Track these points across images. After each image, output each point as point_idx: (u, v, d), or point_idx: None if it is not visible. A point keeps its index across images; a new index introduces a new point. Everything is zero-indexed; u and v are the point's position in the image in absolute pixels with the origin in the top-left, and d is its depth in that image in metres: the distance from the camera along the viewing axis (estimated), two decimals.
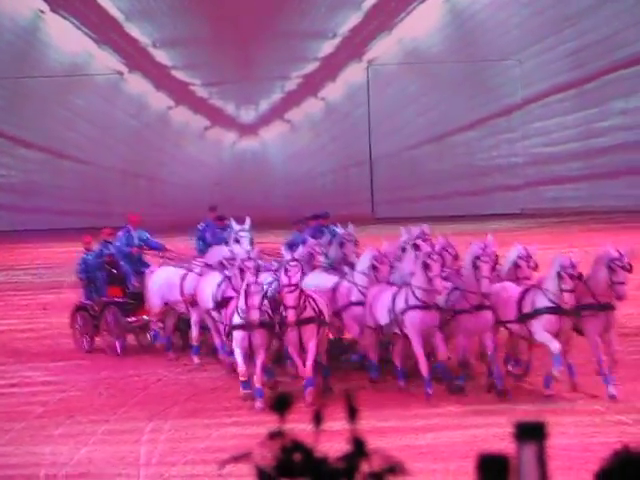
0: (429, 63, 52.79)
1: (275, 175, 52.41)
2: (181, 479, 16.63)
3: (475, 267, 20.58)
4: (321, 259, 23.38)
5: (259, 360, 19.50)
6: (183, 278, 23.90)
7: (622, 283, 19.72)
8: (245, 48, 51.23)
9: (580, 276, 20.83)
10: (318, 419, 4.03)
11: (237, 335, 20.21)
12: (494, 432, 16.70)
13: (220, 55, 52.13)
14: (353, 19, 52.20)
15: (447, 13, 52.52)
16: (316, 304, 20.32)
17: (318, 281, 22.66)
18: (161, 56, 53.99)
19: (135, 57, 53.95)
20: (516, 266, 21.80)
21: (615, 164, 49.39)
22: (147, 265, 25.71)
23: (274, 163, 53.46)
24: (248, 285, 20.30)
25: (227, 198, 47.71)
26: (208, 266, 23.96)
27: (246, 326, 19.94)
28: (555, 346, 19.26)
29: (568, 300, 19.64)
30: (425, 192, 50.52)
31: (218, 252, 23.84)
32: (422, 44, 53.39)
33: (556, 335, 19.79)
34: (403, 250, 23.18)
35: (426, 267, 20.29)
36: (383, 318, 20.36)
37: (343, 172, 52.41)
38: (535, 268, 22.45)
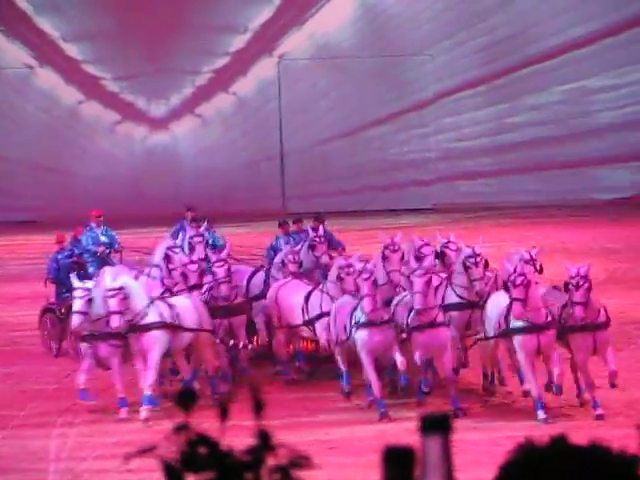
0: (341, 58, 52.95)
1: (185, 169, 52.71)
2: (91, 474, 16.68)
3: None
4: (293, 267, 23.06)
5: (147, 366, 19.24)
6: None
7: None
8: (156, 42, 50.68)
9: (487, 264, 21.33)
10: (224, 412, 4.02)
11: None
12: (406, 426, 16.79)
13: (130, 49, 51.35)
14: (265, 13, 52.02)
15: (359, 8, 52.89)
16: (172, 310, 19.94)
17: (290, 291, 22.43)
18: (71, 50, 53.21)
19: (45, 51, 53.40)
20: (466, 268, 21.42)
21: (524, 159, 50.28)
22: (113, 265, 24.62)
23: (185, 157, 53.62)
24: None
25: (138, 192, 49.07)
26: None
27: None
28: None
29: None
30: (337, 187, 50.75)
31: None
32: (333, 39, 53.51)
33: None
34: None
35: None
36: (342, 333, 20.16)
37: (254, 167, 52.13)
38: (486, 266, 22.13)
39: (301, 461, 4.02)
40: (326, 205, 43.32)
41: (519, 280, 19.13)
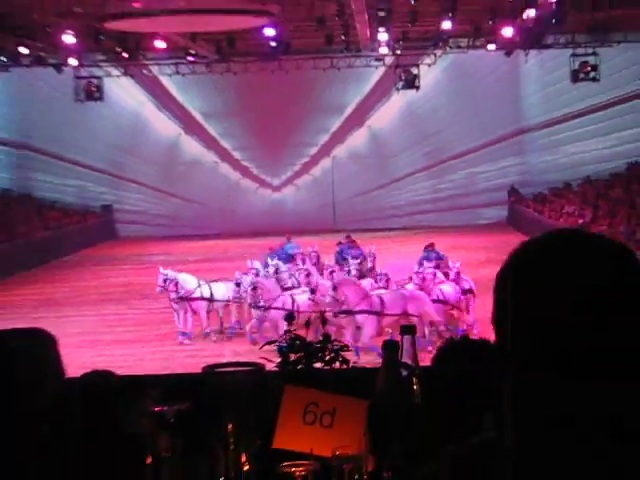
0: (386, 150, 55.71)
1: (287, 211, 55.17)
2: None
3: None
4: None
5: None
6: None
7: None
8: (272, 121, 53.05)
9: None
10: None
11: None
12: None
13: (253, 125, 54.53)
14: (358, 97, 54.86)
15: (405, 111, 53.16)
16: None
17: None
18: (209, 124, 56.77)
19: (189, 123, 56.62)
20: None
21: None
22: None
23: (287, 203, 56.74)
24: None
25: (253, 228, 49.86)
26: None
27: None
28: None
29: None
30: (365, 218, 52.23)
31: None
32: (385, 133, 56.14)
33: None
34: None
35: None
36: None
37: (326, 208, 54.74)
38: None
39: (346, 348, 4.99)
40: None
41: None
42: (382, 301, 22.48)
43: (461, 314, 24.22)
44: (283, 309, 22.66)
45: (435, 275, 24.89)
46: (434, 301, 23.40)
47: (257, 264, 26.83)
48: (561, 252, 2.07)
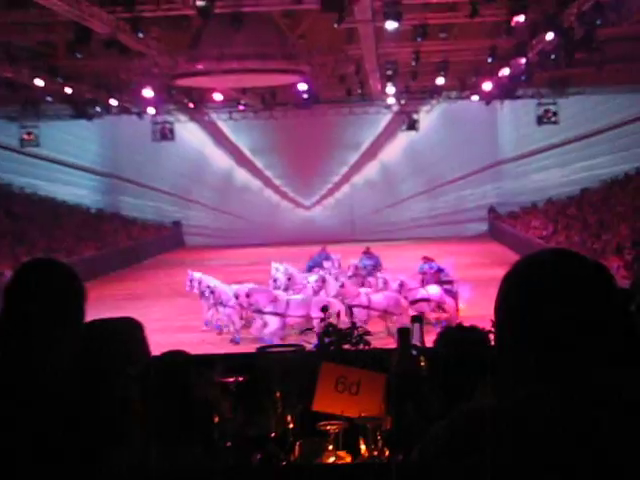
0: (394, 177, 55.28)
1: (317, 228, 53.59)
2: None
3: None
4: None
5: None
6: None
7: None
8: (304, 154, 53.33)
9: None
10: None
11: None
12: None
13: (290, 158, 54.63)
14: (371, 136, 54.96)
15: (407, 148, 52.93)
16: None
17: None
18: (255, 158, 56.63)
19: (239, 157, 56.60)
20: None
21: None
22: None
23: (317, 223, 55.36)
24: None
25: (288, 241, 49.64)
26: None
27: None
28: None
29: None
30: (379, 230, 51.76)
31: None
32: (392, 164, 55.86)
33: None
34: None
35: None
36: None
37: (348, 224, 54.45)
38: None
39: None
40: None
41: None
42: (288, 304, 21.66)
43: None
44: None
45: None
46: (418, 300, 22.49)
47: (281, 268, 26.00)
48: (555, 265, 2.14)
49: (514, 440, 1.99)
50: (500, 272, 2.10)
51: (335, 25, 22.72)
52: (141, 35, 24.38)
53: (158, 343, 3.82)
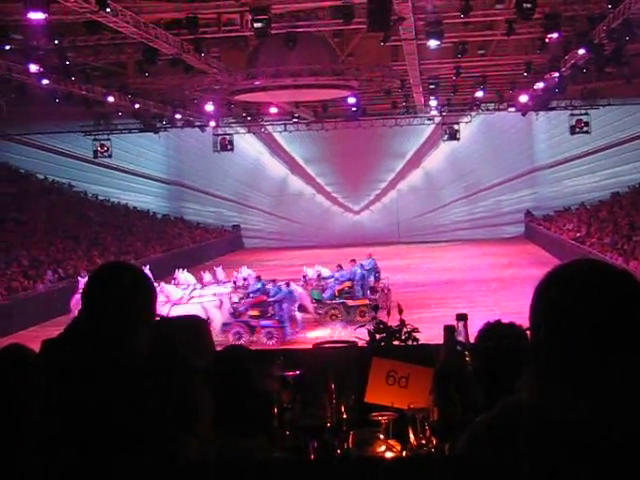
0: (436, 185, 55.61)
1: (366, 231, 53.94)
2: None
3: None
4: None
5: None
6: None
7: None
8: (353, 163, 53.18)
9: None
10: None
11: None
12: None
13: (339, 167, 54.92)
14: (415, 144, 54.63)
15: (449, 155, 52.67)
16: None
17: None
18: (308, 167, 56.69)
19: (293, 166, 56.62)
20: None
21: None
22: None
23: (366, 227, 55.55)
24: None
25: (338, 243, 49.85)
26: None
27: None
28: None
29: None
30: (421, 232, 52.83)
31: None
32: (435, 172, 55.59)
33: None
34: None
35: None
36: None
37: (393, 225, 54.80)
38: None
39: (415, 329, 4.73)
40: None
41: None
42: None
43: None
44: None
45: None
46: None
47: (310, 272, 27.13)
48: (585, 273, 2.12)
49: (544, 435, 1.99)
50: (536, 271, 2.11)
51: (381, 43, 22.78)
52: (203, 55, 24.60)
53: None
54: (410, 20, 20.88)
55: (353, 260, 27.08)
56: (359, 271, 26.20)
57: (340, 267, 26.64)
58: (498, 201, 53.75)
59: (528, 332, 2.27)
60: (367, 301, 25.19)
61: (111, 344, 3.03)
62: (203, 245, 46.94)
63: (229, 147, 44.83)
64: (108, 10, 18.43)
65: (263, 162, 56.51)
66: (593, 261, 2.15)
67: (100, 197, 49.45)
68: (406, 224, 55.16)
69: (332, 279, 26.48)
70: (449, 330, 3.30)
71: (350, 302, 25.38)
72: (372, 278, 27.00)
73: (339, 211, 58.01)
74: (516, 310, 16.08)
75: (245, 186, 55.99)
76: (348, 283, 25.93)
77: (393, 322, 4.82)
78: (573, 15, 23.12)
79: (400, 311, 4.69)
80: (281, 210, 56.47)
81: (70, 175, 48.07)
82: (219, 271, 28.04)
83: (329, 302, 25.59)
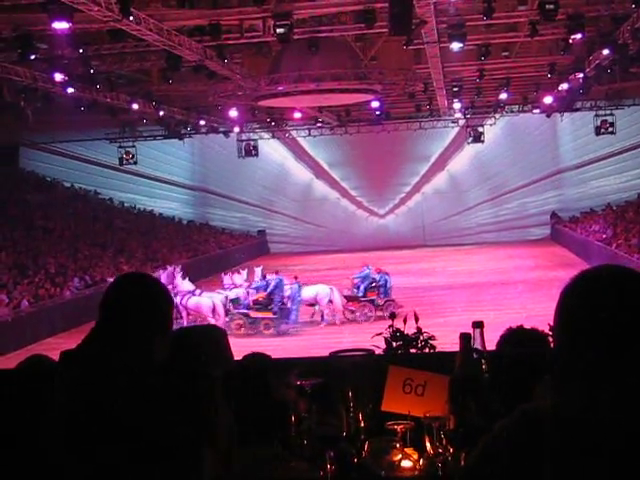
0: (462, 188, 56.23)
1: (389, 236, 54.30)
2: None
3: None
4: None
5: None
6: None
7: None
8: (375, 167, 53.46)
9: None
10: None
11: None
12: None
13: (363, 171, 55.06)
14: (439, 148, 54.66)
15: (474, 158, 52.37)
16: None
17: None
18: (332, 171, 56.94)
19: (318, 170, 56.76)
20: None
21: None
22: None
23: (389, 231, 55.75)
24: None
25: (360, 247, 49.18)
26: None
27: None
28: None
29: None
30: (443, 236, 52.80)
31: None
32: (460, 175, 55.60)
33: None
34: None
35: None
36: None
37: (419, 228, 55.02)
38: None
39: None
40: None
41: None
42: None
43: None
44: None
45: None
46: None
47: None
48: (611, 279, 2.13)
49: (566, 442, 1.99)
50: (562, 273, 2.13)
51: (404, 47, 22.76)
52: (226, 61, 24.70)
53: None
54: (432, 23, 20.87)
55: (277, 272, 27.21)
56: (272, 282, 26.12)
57: (264, 277, 26.83)
58: (523, 203, 53.67)
59: (550, 337, 2.30)
60: (272, 314, 25.45)
61: (127, 356, 3.04)
62: (229, 251, 46.98)
63: (253, 152, 44.94)
64: (131, 18, 18.59)
65: (287, 167, 56.61)
66: (617, 267, 2.17)
67: (126, 204, 49.72)
68: (431, 227, 55.24)
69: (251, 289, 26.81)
70: (465, 338, 3.30)
71: (253, 314, 25.57)
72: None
73: (364, 215, 58.04)
74: (543, 313, 15.84)
75: (270, 191, 56.07)
76: (263, 294, 25.92)
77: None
78: (597, 15, 23.03)
79: (416, 318, 4.68)
80: (306, 215, 56.55)
81: (96, 182, 48.31)
82: (243, 274, 28.54)
83: (236, 312, 25.92)
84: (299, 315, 26.10)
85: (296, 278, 26.35)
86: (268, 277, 26.41)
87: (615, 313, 2.03)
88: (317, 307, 26.39)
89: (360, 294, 26.56)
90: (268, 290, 25.59)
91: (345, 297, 26.61)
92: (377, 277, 27.07)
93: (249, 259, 46.71)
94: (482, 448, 2.21)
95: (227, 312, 25.26)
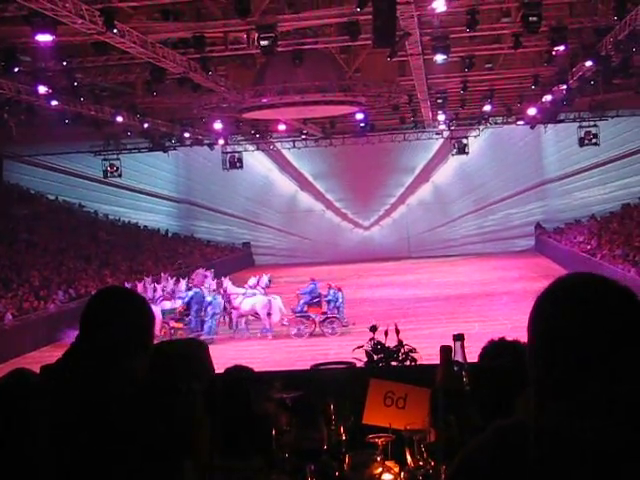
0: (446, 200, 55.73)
1: (375, 245, 55.21)
2: None
3: None
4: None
5: None
6: None
7: None
8: (360, 179, 53.68)
9: None
10: None
11: None
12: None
13: (348, 183, 55.06)
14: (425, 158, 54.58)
15: (458, 169, 52.72)
16: None
17: None
18: (317, 183, 56.95)
19: (302, 182, 56.83)
20: None
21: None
22: None
23: (375, 242, 55.93)
24: None
25: (348, 258, 51.54)
26: None
27: None
28: None
29: None
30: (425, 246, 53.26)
31: None
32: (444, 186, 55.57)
33: None
34: None
35: None
36: None
37: (403, 240, 55.03)
38: None
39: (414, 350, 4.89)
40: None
41: None
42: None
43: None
44: None
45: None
46: None
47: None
48: (582, 288, 2.07)
49: (545, 456, 1.94)
50: (546, 284, 2.11)
51: (388, 59, 22.82)
52: (210, 73, 24.71)
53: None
54: (416, 35, 20.95)
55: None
56: (190, 294, 26.64)
57: (189, 289, 27.51)
58: (508, 214, 53.83)
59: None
60: (182, 325, 25.77)
61: (107, 370, 3.03)
62: (214, 263, 46.86)
63: (238, 165, 44.94)
64: (115, 31, 18.59)
65: (272, 179, 56.74)
66: (589, 275, 2.11)
67: (110, 217, 49.71)
68: (416, 239, 55.34)
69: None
70: (445, 351, 3.29)
71: (172, 324, 25.87)
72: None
73: (349, 227, 58.17)
74: (525, 325, 15.82)
75: (255, 203, 56.14)
76: (183, 306, 26.36)
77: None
78: (579, 27, 23.19)
79: (397, 331, 4.67)
80: (291, 227, 56.62)
81: (80, 195, 48.43)
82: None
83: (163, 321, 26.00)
84: (216, 326, 26.49)
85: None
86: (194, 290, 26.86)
87: (590, 322, 1.98)
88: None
89: (298, 309, 26.48)
90: (185, 301, 26.07)
91: (292, 310, 26.65)
92: (326, 293, 26.87)
93: (234, 271, 46.69)
94: (459, 463, 2.19)
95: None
